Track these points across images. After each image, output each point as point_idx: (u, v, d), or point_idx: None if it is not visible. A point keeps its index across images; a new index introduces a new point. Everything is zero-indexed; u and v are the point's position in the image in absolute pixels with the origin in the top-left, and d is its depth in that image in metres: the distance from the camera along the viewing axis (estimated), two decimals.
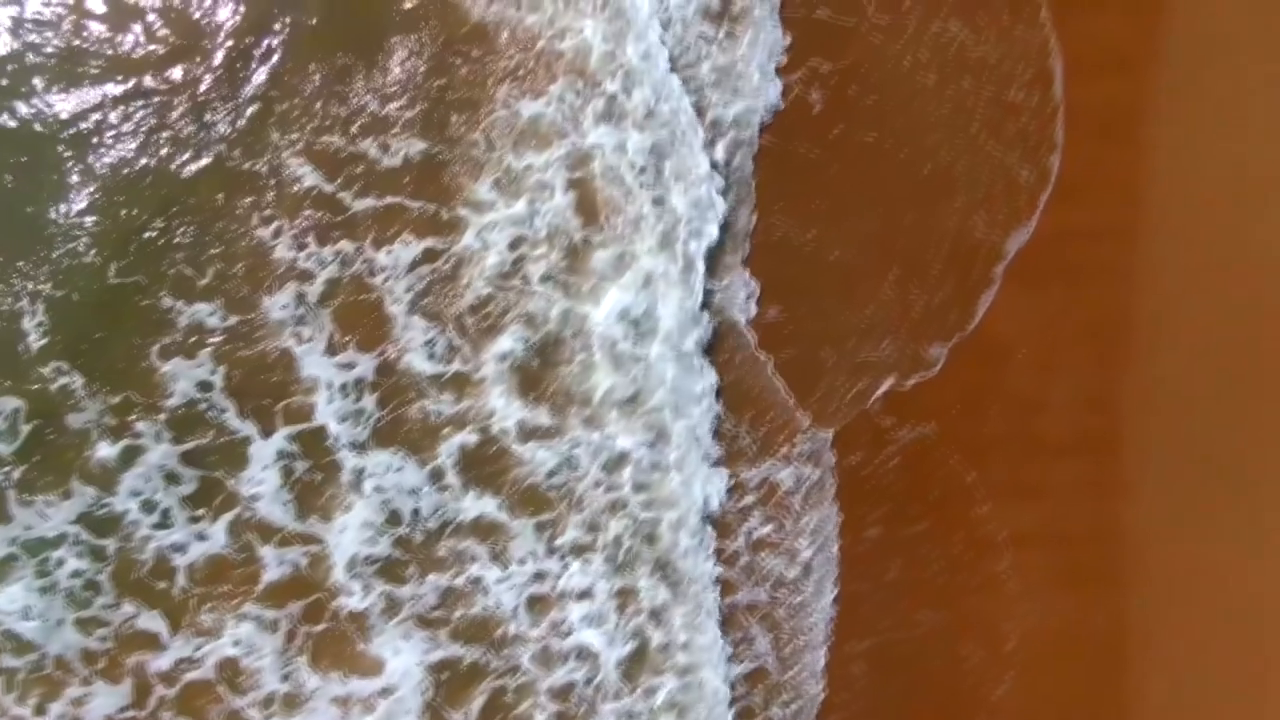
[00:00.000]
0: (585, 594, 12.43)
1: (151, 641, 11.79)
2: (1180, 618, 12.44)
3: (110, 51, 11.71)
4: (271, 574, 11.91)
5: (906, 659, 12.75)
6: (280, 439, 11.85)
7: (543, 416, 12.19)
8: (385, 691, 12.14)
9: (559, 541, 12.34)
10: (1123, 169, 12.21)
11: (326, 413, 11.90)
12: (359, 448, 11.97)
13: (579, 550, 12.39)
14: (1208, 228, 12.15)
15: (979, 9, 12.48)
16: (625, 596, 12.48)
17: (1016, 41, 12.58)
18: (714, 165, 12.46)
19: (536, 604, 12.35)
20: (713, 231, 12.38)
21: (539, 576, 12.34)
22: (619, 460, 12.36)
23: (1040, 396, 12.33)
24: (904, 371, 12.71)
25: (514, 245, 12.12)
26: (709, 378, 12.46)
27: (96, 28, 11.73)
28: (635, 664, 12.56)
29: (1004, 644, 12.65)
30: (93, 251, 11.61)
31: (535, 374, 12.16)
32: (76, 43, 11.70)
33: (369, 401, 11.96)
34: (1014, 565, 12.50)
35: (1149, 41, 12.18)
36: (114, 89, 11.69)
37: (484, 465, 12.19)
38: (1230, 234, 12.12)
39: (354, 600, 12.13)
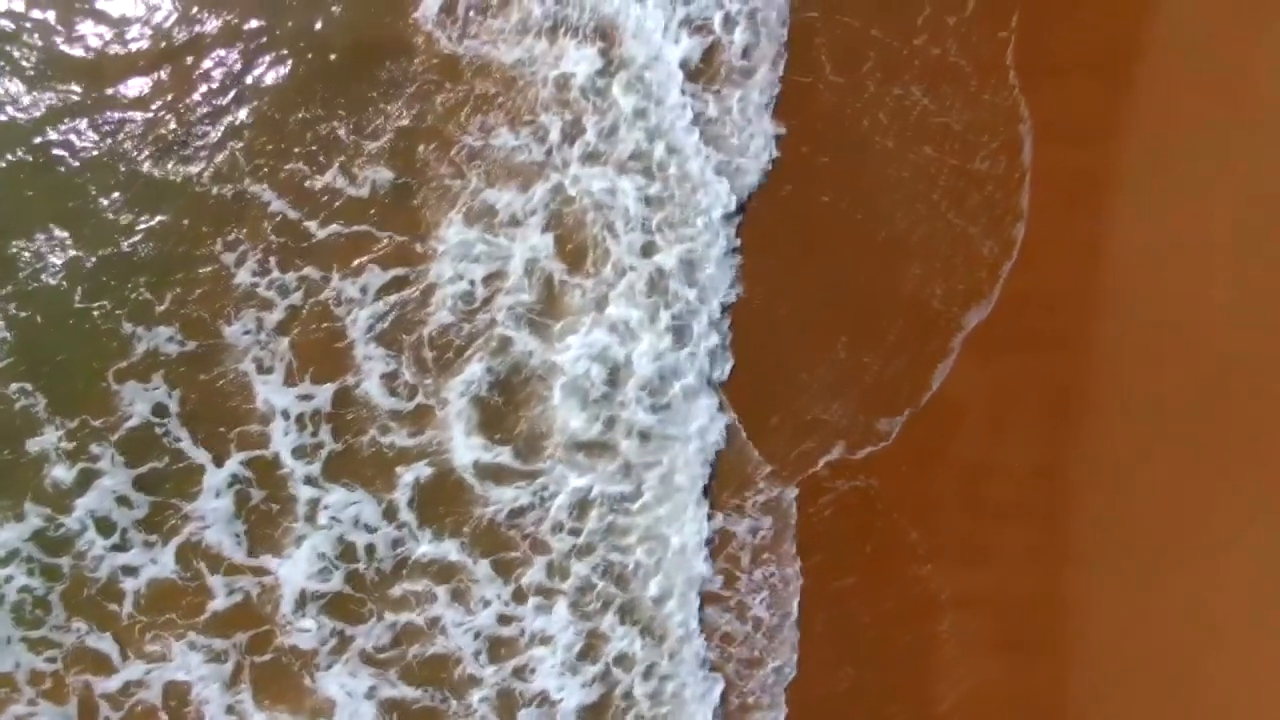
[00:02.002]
0: (548, 639, 12.31)
1: (101, 664, 11.78)
2: (1120, 688, 12.37)
3: (81, 75, 11.72)
4: (219, 603, 11.88)
5: (829, 715, 12.69)
6: (234, 466, 11.82)
7: (505, 455, 12.10)
8: None
9: (523, 583, 12.23)
10: (1083, 236, 12.17)
11: (282, 443, 11.88)
12: (313, 481, 11.94)
13: (543, 592, 12.29)
14: (1165, 298, 12.13)
15: (943, 76, 12.40)
16: (592, 642, 12.37)
17: (984, 108, 12.50)
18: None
19: (496, 646, 12.22)
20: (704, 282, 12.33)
21: (499, 619, 12.21)
22: (586, 502, 12.24)
23: (990, 460, 12.26)
24: (853, 442, 12.57)
25: (483, 280, 12.08)
26: (695, 421, 12.35)
27: (68, 50, 11.74)
28: (596, 715, 12.42)
29: (937, 705, 12.55)
30: (59, 275, 11.66)
31: (498, 411, 12.09)
32: (46, 64, 11.70)
33: (325, 433, 11.93)
34: (954, 627, 12.39)
35: (1116, 110, 12.16)
36: (83, 112, 11.69)
37: (442, 502, 12.11)
38: (1187, 306, 12.10)
39: (302, 637, 12.06)
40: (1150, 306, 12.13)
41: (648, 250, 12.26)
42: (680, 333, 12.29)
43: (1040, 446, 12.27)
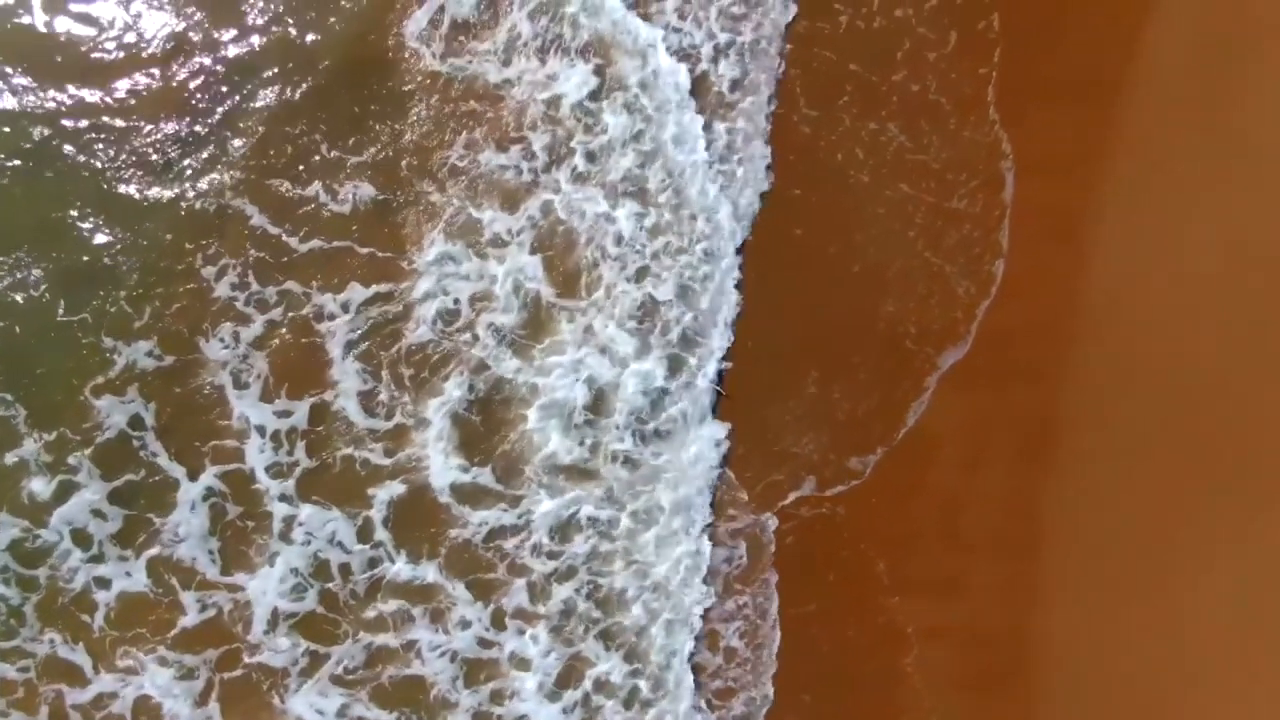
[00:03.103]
0: (526, 662, 12.26)
1: (74, 675, 11.78)
2: None
3: (66, 88, 11.67)
4: (191, 619, 11.86)
5: None
6: (209, 480, 11.78)
7: (484, 476, 12.06)
8: None
9: (501, 605, 12.19)
10: (1062, 270, 12.16)
11: (257, 459, 11.85)
12: (288, 498, 11.93)
13: (522, 616, 12.25)
14: (1142, 333, 12.12)
15: (922, 113, 12.37)
16: (573, 665, 12.34)
17: (963, 145, 12.48)
18: None
19: (474, 669, 12.20)
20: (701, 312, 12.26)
21: (478, 642, 12.18)
22: (567, 524, 12.21)
23: (961, 492, 12.25)
24: (825, 479, 12.53)
25: (467, 300, 12.02)
26: (688, 450, 12.31)
27: (52, 61, 11.67)
28: None
29: None
30: (41, 287, 11.63)
31: (478, 431, 12.04)
32: (31, 75, 11.66)
33: (301, 450, 11.90)
34: (920, 659, 12.39)
35: (1097, 144, 12.14)
36: (66, 125, 11.62)
37: (419, 522, 12.08)
38: (1164, 342, 12.09)
39: (272, 655, 12.06)
40: (1127, 342, 12.12)
41: (640, 275, 12.19)
42: (675, 361, 12.26)
43: (1013, 480, 12.27)
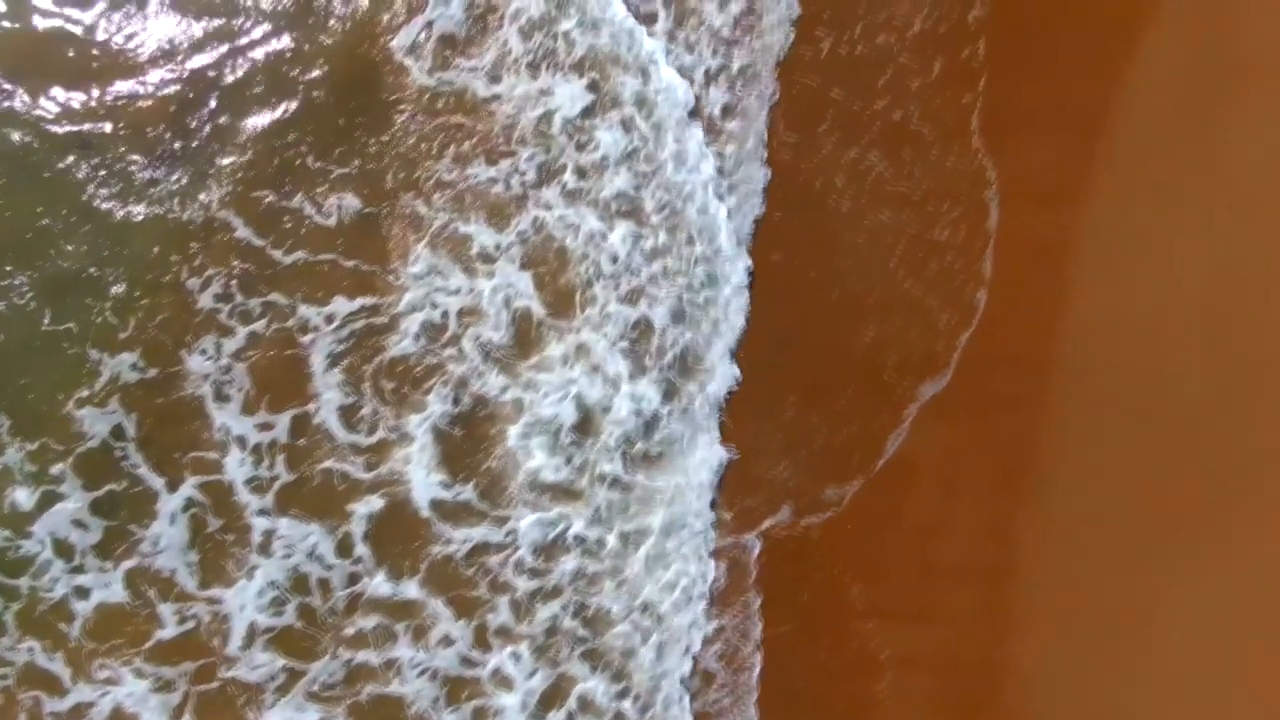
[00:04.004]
0: (508, 682, 12.17)
1: (51, 684, 11.74)
2: None
3: (52, 97, 11.69)
4: (168, 632, 11.83)
5: None
6: (186, 492, 11.77)
7: (467, 493, 12.00)
8: None
9: (483, 623, 12.11)
10: (1046, 300, 12.11)
11: (237, 472, 11.84)
12: (267, 512, 11.90)
13: (504, 635, 12.16)
14: (1123, 366, 12.05)
15: (904, 142, 12.31)
16: (556, 687, 12.24)
17: (946, 175, 12.40)
18: None
19: (455, 688, 12.11)
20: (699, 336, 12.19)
21: (458, 660, 12.10)
22: (552, 545, 12.14)
23: (941, 520, 12.17)
24: (800, 508, 12.44)
25: (455, 314, 12.00)
26: (668, 480, 12.25)
27: (38, 70, 11.72)
28: None
29: None
30: (27, 295, 11.64)
31: (461, 447, 12.00)
32: (15, 85, 11.69)
33: (282, 463, 11.88)
34: (894, 686, 12.28)
35: (1082, 175, 12.10)
36: (51, 134, 11.65)
37: (400, 538, 12.03)
38: (1145, 373, 12.03)
39: (247, 670, 12.01)
40: (1109, 372, 12.07)
41: (634, 297, 12.14)
42: (670, 385, 12.21)
43: (991, 508, 12.19)
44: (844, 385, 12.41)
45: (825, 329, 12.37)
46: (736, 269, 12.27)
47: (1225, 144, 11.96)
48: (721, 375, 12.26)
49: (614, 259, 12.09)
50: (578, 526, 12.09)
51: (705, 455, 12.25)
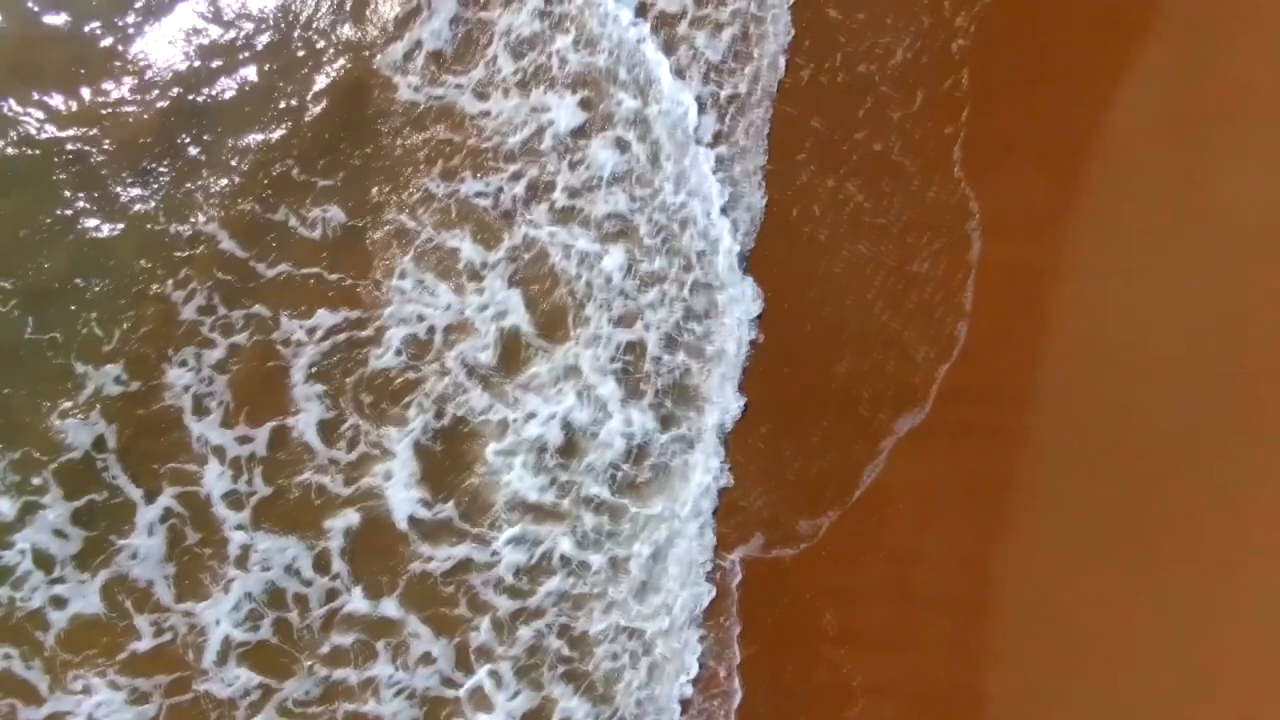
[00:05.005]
0: (488, 702, 12.06)
1: (28, 693, 11.76)
2: None
3: (39, 106, 11.72)
4: (144, 644, 11.81)
5: None
6: (164, 503, 11.75)
7: (448, 510, 11.94)
8: None
9: (464, 640, 12.01)
10: (1024, 332, 12.02)
11: (216, 485, 11.82)
12: (244, 526, 11.87)
13: (484, 655, 12.08)
14: (1100, 401, 12.00)
15: (884, 172, 12.20)
16: (542, 706, 12.13)
17: (926, 207, 12.29)
18: None
19: (434, 708, 12.01)
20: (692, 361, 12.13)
21: (438, 679, 12.01)
22: (535, 565, 12.05)
23: (914, 550, 12.08)
24: (771, 540, 12.33)
25: (434, 329, 11.96)
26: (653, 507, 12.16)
27: (24, 81, 11.74)
28: None
29: None
30: (11, 303, 11.67)
31: (442, 464, 11.95)
32: (3, 98, 11.72)
33: (260, 476, 11.87)
34: (865, 713, 12.18)
35: (1062, 207, 12.03)
36: (36, 143, 11.69)
37: (378, 555, 11.96)
38: (1123, 406, 11.97)
39: (221, 685, 11.98)
40: (1086, 407, 12.01)
41: (627, 320, 12.10)
42: (663, 411, 12.16)
43: (965, 537, 12.10)
44: (820, 417, 12.32)
45: (802, 359, 12.29)
46: (743, 295, 12.21)
47: (1206, 177, 11.92)
48: (724, 403, 12.18)
49: (608, 280, 12.05)
50: (564, 547, 12.05)
51: (703, 481, 12.14)
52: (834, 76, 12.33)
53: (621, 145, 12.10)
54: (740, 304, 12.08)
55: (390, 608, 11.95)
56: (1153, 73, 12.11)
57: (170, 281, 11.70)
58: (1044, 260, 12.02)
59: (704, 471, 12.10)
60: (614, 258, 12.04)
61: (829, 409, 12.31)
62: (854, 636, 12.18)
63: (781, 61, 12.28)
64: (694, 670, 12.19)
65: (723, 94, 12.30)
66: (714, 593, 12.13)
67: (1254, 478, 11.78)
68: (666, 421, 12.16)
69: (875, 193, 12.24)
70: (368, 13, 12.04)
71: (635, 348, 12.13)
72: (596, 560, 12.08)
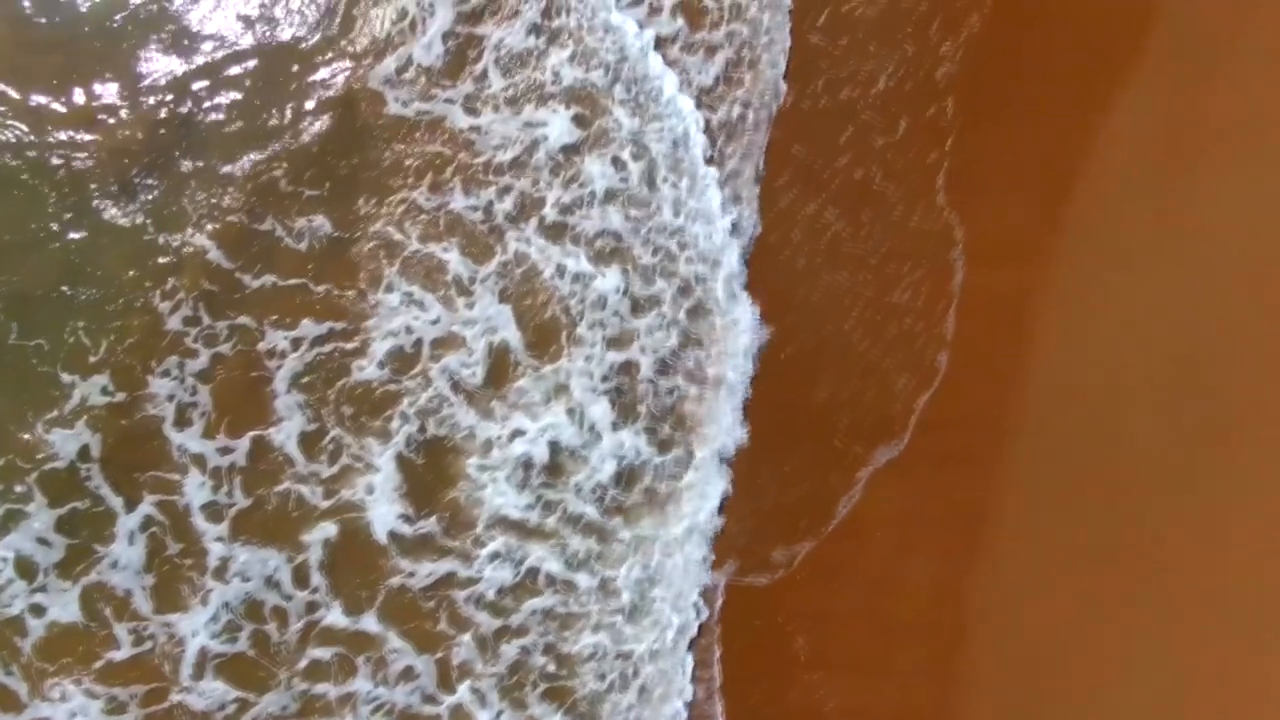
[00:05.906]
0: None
1: (8, 700, 11.75)
2: None
3: (28, 114, 11.74)
4: (122, 653, 11.78)
5: None
6: (144, 512, 11.72)
7: (430, 525, 11.88)
8: None
9: (444, 656, 11.94)
10: (1005, 361, 11.96)
11: (196, 495, 11.79)
12: (223, 539, 11.84)
13: (466, 672, 11.99)
14: (1082, 432, 11.92)
15: (865, 201, 12.11)
16: None
17: (908, 236, 12.22)
18: None
19: None
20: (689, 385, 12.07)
21: (419, 697, 11.92)
22: (518, 583, 11.97)
23: (891, 578, 12.01)
24: (745, 566, 12.24)
25: (420, 342, 11.92)
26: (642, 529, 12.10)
27: (10, 87, 11.78)
28: None
29: None
30: None
31: (425, 480, 11.91)
32: None
33: (240, 488, 11.83)
34: None
35: (1048, 236, 11.98)
36: (26, 151, 11.71)
37: (359, 569, 11.91)
38: (1103, 444, 11.88)
39: (196, 697, 11.94)
40: (1067, 438, 11.93)
41: (621, 342, 12.05)
42: (655, 435, 12.11)
43: (943, 566, 12.02)
44: (795, 446, 12.25)
45: (778, 385, 12.23)
46: (743, 318, 12.17)
47: (1193, 208, 11.84)
48: (725, 428, 12.14)
49: (602, 301, 12.00)
50: (555, 565, 11.98)
51: (701, 504, 12.09)
52: (816, 102, 12.29)
53: (618, 162, 12.06)
54: (742, 328, 12.07)
55: (370, 622, 11.90)
56: (1140, 101, 12.06)
57: (157, 292, 11.70)
58: (1027, 288, 11.95)
59: (701, 497, 12.07)
60: (610, 283, 11.99)
61: (806, 437, 12.24)
62: (827, 661, 12.09)
63: (782, 86, 12.28)
64: (689, 693, 12.09)
65: (715, 119, 12.28)
66: (706, 614, 12.08)
67: (1235, 500, 11.66)
68: (664, 445, 12.12)
69: (856, 220, 12.18)
70: (359, 25, 12.06)
71: (630, 368, 12.10)
72: (584, 580, 12.03)
